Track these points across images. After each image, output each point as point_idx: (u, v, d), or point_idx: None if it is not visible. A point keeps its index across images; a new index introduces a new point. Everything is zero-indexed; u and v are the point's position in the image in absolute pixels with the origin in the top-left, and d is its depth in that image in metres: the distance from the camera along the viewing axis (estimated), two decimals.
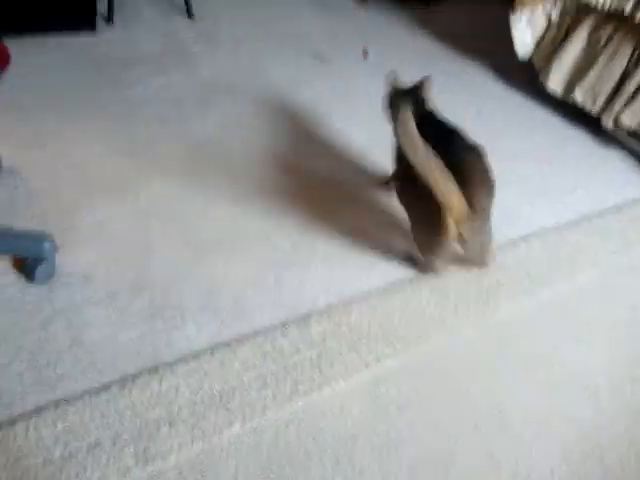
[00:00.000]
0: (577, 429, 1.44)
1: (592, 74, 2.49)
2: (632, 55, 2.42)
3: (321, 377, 1.44)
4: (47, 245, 1.55)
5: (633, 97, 2.41)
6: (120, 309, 1.53)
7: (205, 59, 2.59)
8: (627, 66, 2.44)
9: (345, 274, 1.71)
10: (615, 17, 2.42)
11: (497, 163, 2.06)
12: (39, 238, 1.56)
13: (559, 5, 2.56)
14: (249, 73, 2.55)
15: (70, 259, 1.62)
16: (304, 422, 1.36)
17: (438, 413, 1.42)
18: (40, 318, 1.47)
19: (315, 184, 2.01)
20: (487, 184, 1.61)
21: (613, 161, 2.46)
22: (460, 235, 1.55)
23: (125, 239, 1.71)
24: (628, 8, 2.33)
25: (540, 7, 2.58)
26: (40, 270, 1.55)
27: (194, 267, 1.67)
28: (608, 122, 2.48)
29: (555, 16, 2.60)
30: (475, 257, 1.71)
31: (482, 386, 1.50)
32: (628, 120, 2.42)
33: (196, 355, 1.45)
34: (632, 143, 2.56)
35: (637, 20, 2.31)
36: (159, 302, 1.56)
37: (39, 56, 2.42)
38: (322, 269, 1.71)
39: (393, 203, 1.81)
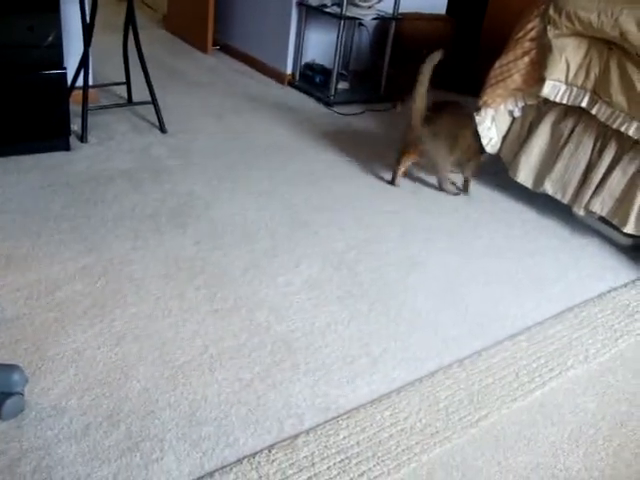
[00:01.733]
0: None
1: (559, 166, 2.55)
2: (594, 145, 2.49)
3: None
4: (16, 377, 1.48)
5: (600, 185, 2.46)
6: (94, 443, 1.44)
7: (179, 174, 2.62)
8: (591, 156, 2.50)
9: (330, 388, 1.65)
10: (575, 111, 2.50)
11: (479, 261, 2.08)
12: (7, 371, 1.49)
13: (520, 102, 2.64)
14: (223, 186, 2.57)
15: (41, 390, 1.54)
16: None
17: None
18: (6, 460, 1.38)
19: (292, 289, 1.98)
20: (454, 116, 2.69)
21: (590, 249, 2.48)
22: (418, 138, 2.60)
23: (100, 365, 1.64)
24: (584, 104, 2.42)
25: (502, 105, 2.66)
26: (8, 405, 1.46)
27: (173, 390, 1.59)
28: (579, 210, 2.51)
29: (518, 113, 2.69)
30: (428, 163, 2.72)
31: None
32: (598, 208, 2.46)
33: None
34: (605, 229, 2.59)
35: (594, 113, 2.39)
36: (136, 433, 1.48)
37: (13, 175, 2.43)
38: (306, 384, 1.65)
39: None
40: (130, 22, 2.82)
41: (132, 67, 3.05)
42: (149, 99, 2.94)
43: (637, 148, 2.37)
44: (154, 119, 3.00)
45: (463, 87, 3.63)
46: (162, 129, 2.97)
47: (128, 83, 3.14)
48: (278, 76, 3.98)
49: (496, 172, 2.86)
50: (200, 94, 3.56)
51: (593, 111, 2.41)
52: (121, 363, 1.65)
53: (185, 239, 2.18)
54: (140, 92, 3.07)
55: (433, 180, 2.84)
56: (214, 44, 4.46)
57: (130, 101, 3.18)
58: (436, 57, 2.55)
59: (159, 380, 1.62)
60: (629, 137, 2.36)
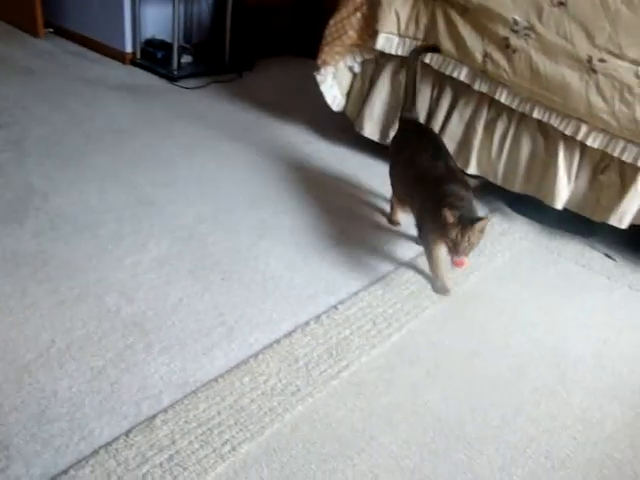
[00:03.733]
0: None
1: None
2: (432, 93, 2.58)
3: None
4: None
5: (440, 131, 2.55)
6: None
7: (12, 167, 2.43)
8: (430, 103, 2.59)
9: (186, 363, 1.60)
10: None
11: (335, 221, 2.07)
12: None
13: (359, 58, 2.68)
14: (62, 175, 2.42)
15: None
16: None
17: None
18: None
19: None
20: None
21: None
22: None
23: None
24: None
25: (342, 62, 2.68)
26: None
27: (18, 392, 1.49)
28: None
29: (358, 68, 2.72)
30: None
31: (353, 450, 1.44)
32: None
33: None
34: None
35: (428, 62, 2.46)
36: None
37: None
38: (161, 363, 1.60)
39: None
40: None
41: None
42: None
43: (470, 92, 2.47)
44: None
45: (309, 51, 3.63)
46: None
47: None
48: (119, 56, 3.80)
49: (344, 129, 2.88)
50: (33, 81, 3.32)
51: (426, 60, 2.48)
52: None
53: (23, 233, 2.03)
54: None
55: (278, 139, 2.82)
56: (47, 27, 4.17)
57: None
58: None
59: (3, 384, 1.51)
60: (462, 82, 2.45)
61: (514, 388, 1.68)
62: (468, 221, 1.76)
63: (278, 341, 1.70)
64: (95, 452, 1.37)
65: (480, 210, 1.90)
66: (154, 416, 1.45)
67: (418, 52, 2.40)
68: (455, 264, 1.82)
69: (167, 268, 1.93)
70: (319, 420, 1.50)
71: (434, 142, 2.14)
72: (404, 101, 2.31)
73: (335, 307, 1.85)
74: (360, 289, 1.95)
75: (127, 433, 1.41)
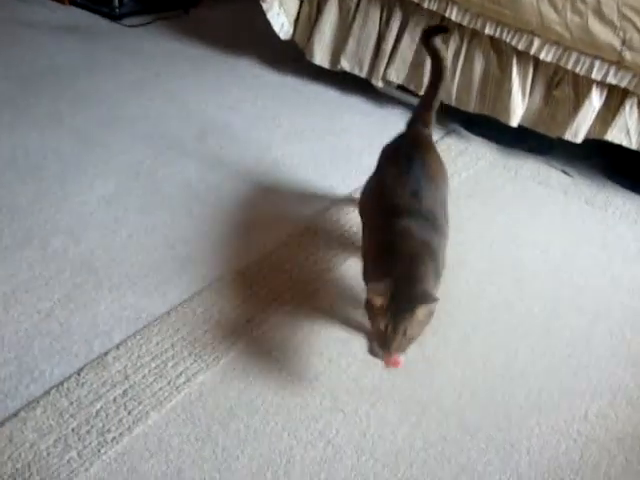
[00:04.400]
0: None
1: (351, 41, 2.53)
2: (381, 15, 2.49)
3: (130, 417, 1.29)
4: None
5: (392, 54, 2.48)
6: None
7: None
8: (380, 26, 2.50)
9: (138, 299, 1.56)
10: None
11: (279, 148, 2.02)
12: None
13: None
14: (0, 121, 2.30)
15: None
16: (121, 473, 1.20)
17: (264, 416, 1.33)
18: None
19: None
20: None
21: (393, 119, 2.51)
22: None
23: None
24: None
25: None
26: None
27: None
28: (378, 82, 2.53)
29: None
30: None
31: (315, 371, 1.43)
32: (394, 76, 2.49)
33: None
34: (405, 97, 2.64)
35: None
36: None
37: None
38: (112, 300, 1.55)
39: None
40: None
41: None
42: None
43: (419, 12, 2.39)
44: None
45: None
46: None
47: None
48: None
49: (294, 59, 2.79)
50: None
51: None
52: None
53: None
54: None
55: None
56: None
57: None
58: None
59: None
60: (411, 1, 2.37)
61: (473, 304, 1.68)
62: (405, 306, 1.20)
63: (235, 271, 1.66)
64: (46, 393, 1.33)
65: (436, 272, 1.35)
66: (106, 353, 1.41)
67: (428, 36, 1.65)
68: (386, 363, 1.28)
69: (115, 206, 1.86)
70: (275, 346, 1.48)
71: (422, 165, 1.53)
72: (419, 105, 1.74)
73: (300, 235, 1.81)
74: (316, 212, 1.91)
75: (78, 372, 1.37)
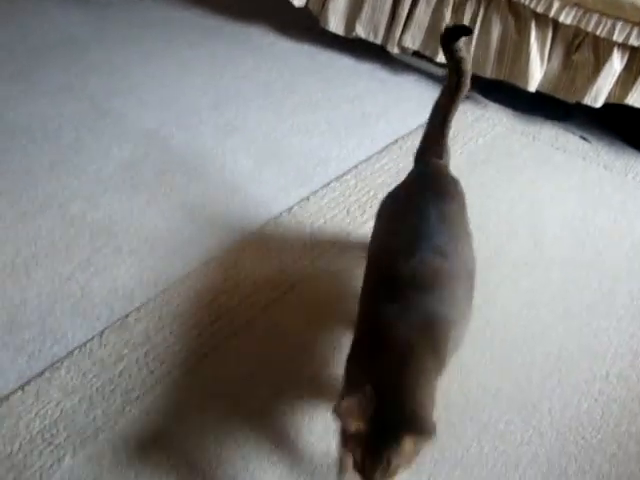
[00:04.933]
0: None
1: (366, 7, 2.49)
2: None
3: (152, 377, 1.30)
4: None
5: (408, 19, 2.44)
6: None
7: None
8: None
9: (157, 262, 1.57)
10: None
11: (296, 115, 2.01)
12: None
13: None
14: (14, 89, 2.30)
15: None
16: (147, 431, 1.21)
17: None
18: None
19: None
20: None
21: (408, 85, 2.49)
22: None
23: None
24: None
25: None
26: None
27: None
28: (393, 48, 2.50)
29: None
30: None
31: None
32: (410, 42, 2.45)
33: (5, 399, 1.26)
34: (420, 64, 2.61)
35: None
36: None
37: None
38: (131, 264, 1.56)
39: None
40: None
41: None
42: None
43: None
44: None
45: None
46: None
47: None
48: None
49: (308, 27, 2.76)
50: None
51: None
52: None
53: None
54: None
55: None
56: None
57: None
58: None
59: None
60: None
61: (493, 267, 1.67)
62: (387, 436, 0.90)
63: (253, 233, 1.66)
64: (69, 354, 1.34)
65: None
66: (127, 315, 1.42)
67: (450, 38, 1.31)
68: None
69: (132, 172, 1.86)
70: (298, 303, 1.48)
71: (434, 219, 1.19)
72: (431, 126, 1.42)
73: (307, 198, 1.80)
74: (332, 180, 1.90)
75: (100, 334, 1.39)
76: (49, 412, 1.23)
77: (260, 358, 1.36)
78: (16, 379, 1.30)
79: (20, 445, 1.18)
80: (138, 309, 1.44)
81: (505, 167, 2.10)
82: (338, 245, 1.66)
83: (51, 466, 1.15)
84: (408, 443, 0.90)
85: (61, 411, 1.24)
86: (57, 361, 1.33)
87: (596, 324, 1.56)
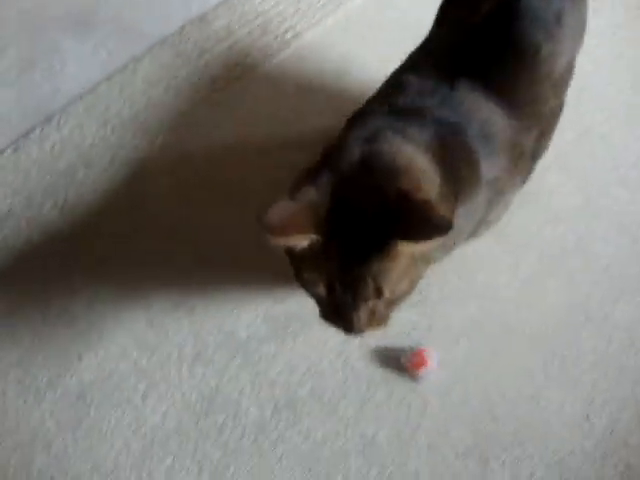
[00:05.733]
0: None
1: None
2: None
3: (239, 68, 1.25)
4: None
5: None
6: None
7: None
8: None
9: None
10: None
11: None
12: None
13: None
14: None
15: None
16: (235, 117, 1.18)
17: None
18: None
19: None
20: None
21: None
22: None
23: None
24: None
25: None
26: None
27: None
28: None
29: None
30: None
31: None
32: None
33: (92, 90, 1.23)
34: None
35: None
36: (26, 53, 1.27)
37: None
38: None
39: None
40: None
41: None
42: None
43: None
44: None
45: None
46: None
47: None
48: None
49: None
50: None
51: None
52: None
53: None
54: None
55: None
56: None
57: None
58: None
59: None
60: None
61: None
62: (366, 241, 0.60)
63: None
64: (150, 48, 1.28)
65: None
66: (205, 13, 1.33)
67: None
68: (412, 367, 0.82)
69: None
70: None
71: None
72: None
73: None
74: None
75: (180, 30, 1.31)
76: (136, 99, 1.20)
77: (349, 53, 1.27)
78: (100, 72, 1.25)
79: (113, 128, 1.17)
80: (216, 8, 1.34)
81: None
82: None
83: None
84: (403, 247, 0.58)
85: (148, 99, 1.21)
86: (139, 55, 1.27)
87: None
